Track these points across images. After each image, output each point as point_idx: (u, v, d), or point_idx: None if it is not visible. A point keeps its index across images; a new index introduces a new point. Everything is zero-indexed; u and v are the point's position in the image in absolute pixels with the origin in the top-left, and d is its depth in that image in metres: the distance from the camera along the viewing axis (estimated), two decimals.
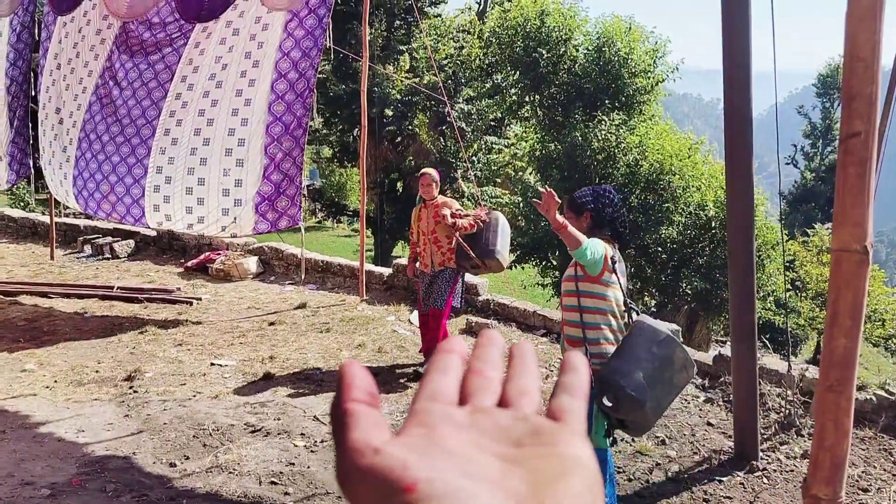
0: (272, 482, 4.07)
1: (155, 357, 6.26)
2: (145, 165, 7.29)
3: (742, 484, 4.21)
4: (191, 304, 8.04)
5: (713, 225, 15.12)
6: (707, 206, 15.32)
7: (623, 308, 3.55)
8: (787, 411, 4.89)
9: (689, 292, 15.49)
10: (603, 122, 15.69)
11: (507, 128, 21.81)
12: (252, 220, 6.65)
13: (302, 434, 4.72)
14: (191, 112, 6.97)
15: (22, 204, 16.05)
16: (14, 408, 5.04)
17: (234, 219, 6.68)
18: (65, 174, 7.70)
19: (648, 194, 15.45)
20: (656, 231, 15.63)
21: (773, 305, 16.05)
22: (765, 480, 4.26)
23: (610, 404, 3.23)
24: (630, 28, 17.05)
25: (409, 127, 19.48)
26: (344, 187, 29.23)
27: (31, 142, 9.32)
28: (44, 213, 12.68)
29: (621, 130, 15.55)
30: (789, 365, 5.27)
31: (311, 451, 4.48)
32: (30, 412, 5.01)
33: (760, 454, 4.46)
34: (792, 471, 4.36)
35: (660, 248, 16.18)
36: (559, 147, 16.70)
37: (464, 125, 19.80)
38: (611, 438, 3.44)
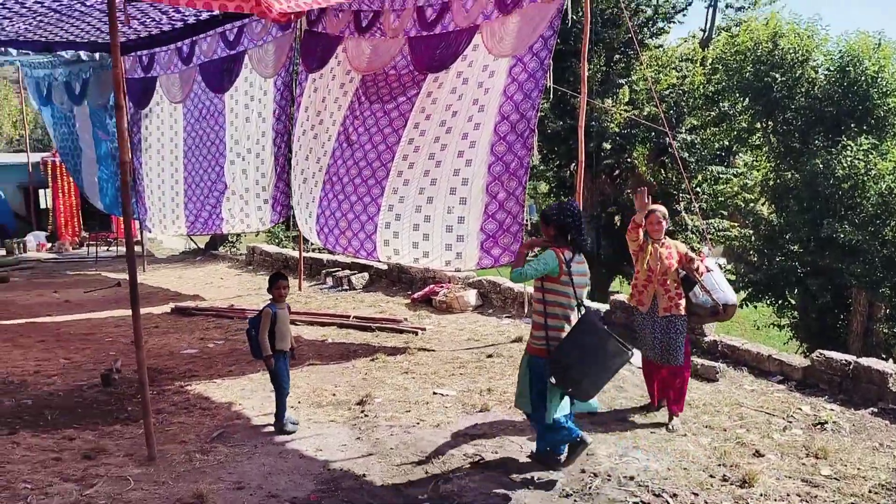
0: None
1: (384, 383, 6.68)
2: (379, 204, 7.92)
3: None
4: (416, 333, 8.49)
5: None
6: None
7: (576, 303, 4.55)
8: None
9: None
10: (849, 148, 14.17)
11: (735, 157, 20.50)
12: (476, 256, 6.92)
13: (519, 469, 4.74)
14: (422, 155, 7.44)
15: (276, 241, 18.10)
16: (265, 425, 5.64)
17: (458, 254, 6.99)
18: (310, 213, 8.58)
19: None
20: None
21: None
22: None
23: (555, 381, 4.38)
24: (879, 44, 15.33)
25: (628, 159, 19.03)
26: None
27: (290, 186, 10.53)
28: (294, 249, 14.18)
29: (871, 156, 13.93)
30: None
31: (528, 488, 4.48)
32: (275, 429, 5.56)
33: None
34: None
35: None
36: (797, 176, 15.36)
37: (686, 155, 18.95)
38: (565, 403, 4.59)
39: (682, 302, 5.48)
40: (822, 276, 14.58)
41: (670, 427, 5.44)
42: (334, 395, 6.40)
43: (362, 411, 5.92)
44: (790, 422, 5.66)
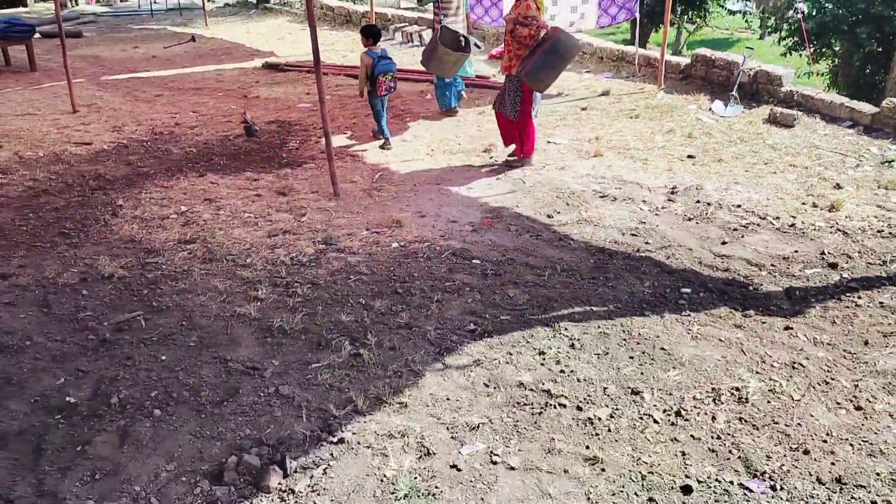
0: (632, 234, 5.21)
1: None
2: None
3: None
4: None
5: None
6: None
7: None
8: None
9: None
10: None
11: None
12: (595, 15, 7.42)
13: (644, 201, 5.78)
14: None
15: None
16: (413, 168, 6.59)
17: (582, 15, 7.47)
18: None
19: None
20: None
21: None
22: None
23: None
24: None
25: None
26: None
27: None
28: (355, 3, 14.24)
29: None
30: None
31: (656, 215, 5.54)
32: (426, 172, 6.54)
33: None
34: None
35: None
36: None
37: None
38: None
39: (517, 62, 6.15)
40: (872, 24, 14.68)
41: (516, 164, 6.54)
42: (459, 144, 7.30)
43: (491, 157, 6.86)
44: (861, 160, 6.60)
